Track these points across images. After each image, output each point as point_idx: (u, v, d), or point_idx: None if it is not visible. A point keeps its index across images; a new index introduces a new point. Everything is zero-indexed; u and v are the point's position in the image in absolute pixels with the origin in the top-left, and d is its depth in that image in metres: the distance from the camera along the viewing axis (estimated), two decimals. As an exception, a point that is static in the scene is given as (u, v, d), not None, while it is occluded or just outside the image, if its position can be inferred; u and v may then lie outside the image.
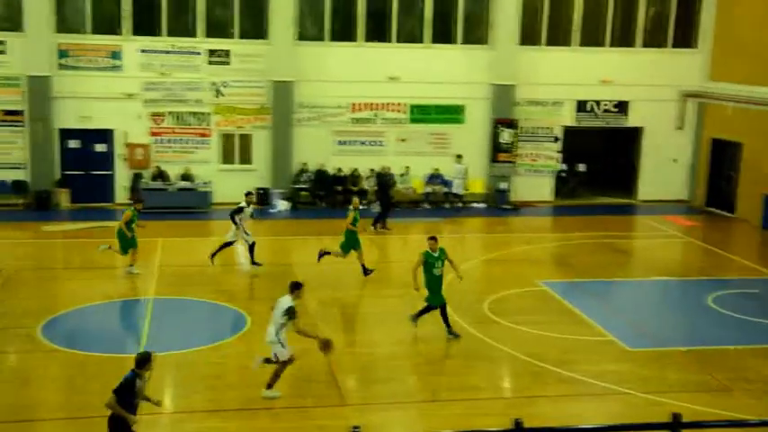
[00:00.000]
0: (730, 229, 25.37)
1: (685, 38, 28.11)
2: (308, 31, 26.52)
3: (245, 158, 26.37)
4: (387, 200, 23.80)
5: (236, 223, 18.56)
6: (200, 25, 25.63)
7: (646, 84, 27.60)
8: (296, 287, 12.19)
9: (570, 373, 13.43)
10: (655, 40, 27.98)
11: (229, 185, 25.16)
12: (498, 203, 27.15)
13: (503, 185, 27.35)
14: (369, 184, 26.43)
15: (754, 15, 25.71)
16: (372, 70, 26.43)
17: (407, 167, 26.76)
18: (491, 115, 27.25)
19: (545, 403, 12.45)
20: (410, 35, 27.02)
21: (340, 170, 26.47)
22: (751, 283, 18.31)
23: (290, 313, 11.94)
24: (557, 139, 27.92)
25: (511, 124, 27.23)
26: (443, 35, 27.10)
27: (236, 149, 26.30)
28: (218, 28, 25.86)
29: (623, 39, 27.90)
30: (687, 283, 19.22)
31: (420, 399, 12.73)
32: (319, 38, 26.46)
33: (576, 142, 28.41)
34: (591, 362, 14.01)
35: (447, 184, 26.98)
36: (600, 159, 28.86)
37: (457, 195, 26.78)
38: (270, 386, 12.27)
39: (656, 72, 27.61)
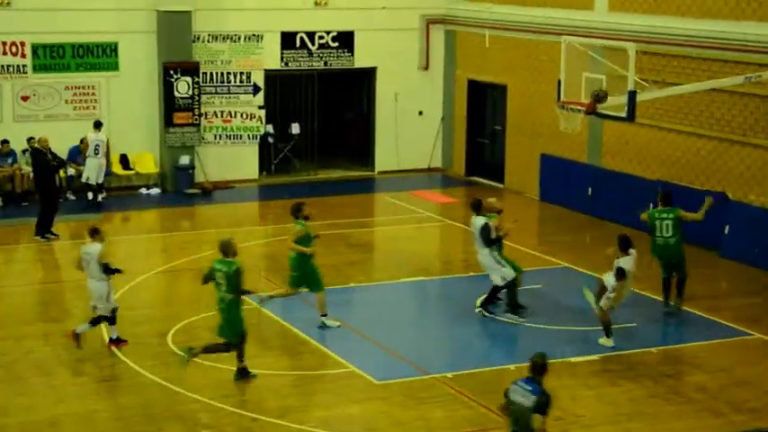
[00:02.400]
0: (501, 204, 27.06)
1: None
2: None
3: None
4: (50, 191, 22.75)
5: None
6: None
7: (376, 6, 28.78)
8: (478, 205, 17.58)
9: (298, 426, 13.70)
10: (383, -55, 29.24)
11: None
12: (180, 187, 27.03)
13: (185, 160, 27.29)
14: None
15: None
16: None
17: (36, 139, 25.83)
18: (159, 57, 27.05)
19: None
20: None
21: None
22: (531, 277, 19.70)
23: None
24: (258, 89, 28.30)
25: (190, 70, 27.20)
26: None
27: None
28: None
29: (342, -56, 28.89)
30: (449, 282, 20.29)
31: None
32: None
33: (285, 93, 28.95)
34: (326, 405, 14.39)
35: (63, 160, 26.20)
36: (320, 116, 29.64)
37: (96, 186, 25.83)
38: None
39: (389, -10, 28.90)
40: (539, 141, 26.72)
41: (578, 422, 13.96)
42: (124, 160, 27.29)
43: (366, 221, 25.23)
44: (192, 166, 27.44)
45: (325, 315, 17.41)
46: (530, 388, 10.64)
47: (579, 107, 19.73)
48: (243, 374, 15.16)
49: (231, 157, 28.22)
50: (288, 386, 15.03)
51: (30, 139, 25.01)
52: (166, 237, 23.86)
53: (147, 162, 27.50)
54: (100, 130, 25.68)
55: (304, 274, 17.30)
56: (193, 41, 27.38)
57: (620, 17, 23.95)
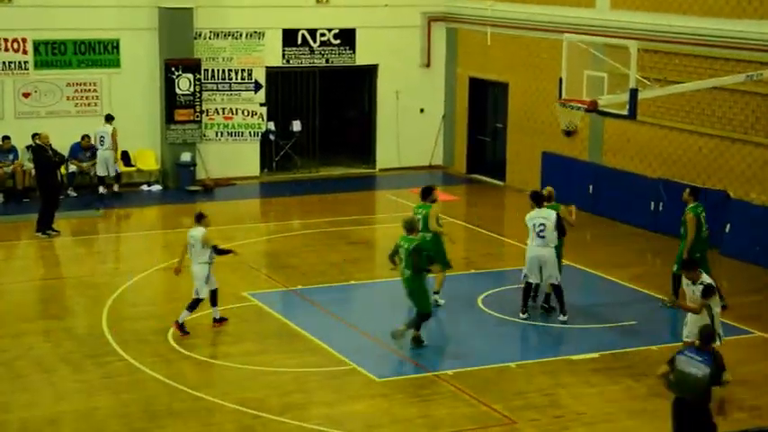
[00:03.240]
0: (502, 203, 27.14)
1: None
2: None
3: None
4: (51, 187, 22.77)
5: None
6: None
7: (378, 4, 28.77)
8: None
9: (300, 423, 13.70)
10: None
11: None
12: (182, 184, 27.04)
13: (186, 157, 27.30)
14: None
15: None
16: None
17: (38, 135, 25.88)
18: (161, 54, 27.05)
19: (267, 469, 12.66)
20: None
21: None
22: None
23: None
24: (259, 87, 28.30)
25: (191, 67, 27.19)
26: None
27: None
28: None
29: (344, -58, 28.89)
30: (450, 279, 20.25)
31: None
32: None
33: (286, 90, 28.94)
34: (328, 403, 14.39)
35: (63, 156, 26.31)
36: (322, 114, 29.65)
37: (102, 179, 26.22)
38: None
39: (391, -13, 28.92)
40: (540, 139, 26.71)
41: (579, 420, 13.95)
42: (125, 157, 27.29)
43: (367, 219, 25.21)
44: (193, 164, 27.44)
45: (437, 293, 18.15)
46: (700, 359, 11.51)
47: (580, 105, 19.74)
48: (418, 342, 16.20)
49: (232, 155, 28.22)
50: (289, 383, 15.00)
51: (35, 136, 25.10)
52: (168, 234, 23.84)
53: (148, 159, 27.51)
54: (109, 123, 25.93)
55: (436, 252, 17.75)
56: (195, 38, 27.37)
57: (621, 15, 23.94)
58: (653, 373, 15.34)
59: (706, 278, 14.37)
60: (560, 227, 17.39)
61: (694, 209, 17.94)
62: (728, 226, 21.32)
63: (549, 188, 18.59)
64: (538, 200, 17.46)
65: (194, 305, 16.73)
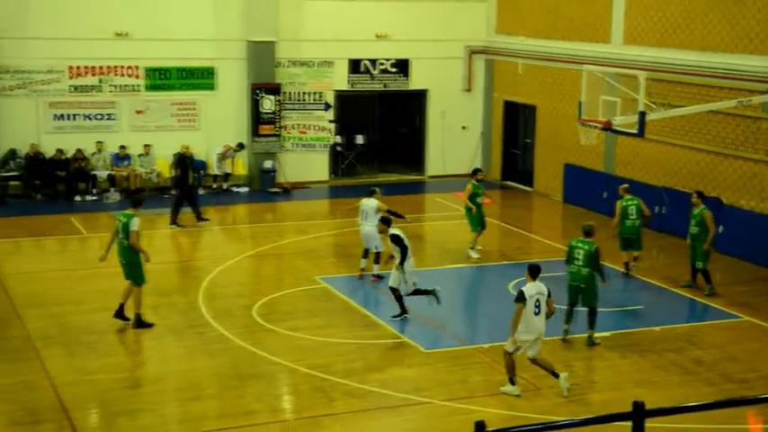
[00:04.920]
0: (530, 205, 27.05)
1: (470, -15, 29.56)
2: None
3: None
4: (189, 187, 23.21)
5: None
6: None
7: (428, 39, 28.78)
8: None
9: (360, 385, 13.79)
10: (436, -13, 29.19)
11: None
12: (265, 186, 27.24)
13: (268, 164, 27.48)
14: (101, 166, 25.80)
15: (543, -41, 27.53)
16: (91, 24, 25.61)
17: (148, 146, 26.25)
18: (248, 79, 27.26)
19: (331, 423, 12.71)
20: (141, -20, 26.43)
21: (61, 152, 25.43)
22: (555, 266, 19.63)
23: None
24: (328, 107, 28.43)
25: (273, 89, 27.38)
26: (185, -20, 26.74)
27: None
28: None
29: (401, -14, 28.90)
30: (485, 269, 20.27)
31: (181, 432, 12.57)
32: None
33: (351, 110, 29.05)
34: (383, 369, 14.48)
35: (198, 165, 26.71)
36: (380, 129, 29.74)
37: (217, 176, 27.14)
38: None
39: (439, 25, 28.87)
40: (562, 153, 26.58)
41: (593, 388, 13.92)
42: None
43: (417, 217, 25.23)
44: (273, 170, 27.61)
45: (472, 248, 20.44)
46: None
47: (596, 124, 19.64)
48: (591, 343, 15.46)
49: (306, 163, 28.35)
50: (352, 352, 15.10)
51: (146, 146, 25.64)
52: (253, 227, 24.04)
53: (238, 166, 27.73)
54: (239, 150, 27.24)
55: (472, 219, 20.24)
56: (276, 66, 27.53)
57: (632, 49, 23.76)
58: (656, 350, 15.33)
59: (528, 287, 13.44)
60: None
61: (709, 209, 17.98)
62: (721, 228, 21.08)
63: (625, 185, 19.10)
64: (399, 241, 16.43)
65: (377, 258, 18.47)
